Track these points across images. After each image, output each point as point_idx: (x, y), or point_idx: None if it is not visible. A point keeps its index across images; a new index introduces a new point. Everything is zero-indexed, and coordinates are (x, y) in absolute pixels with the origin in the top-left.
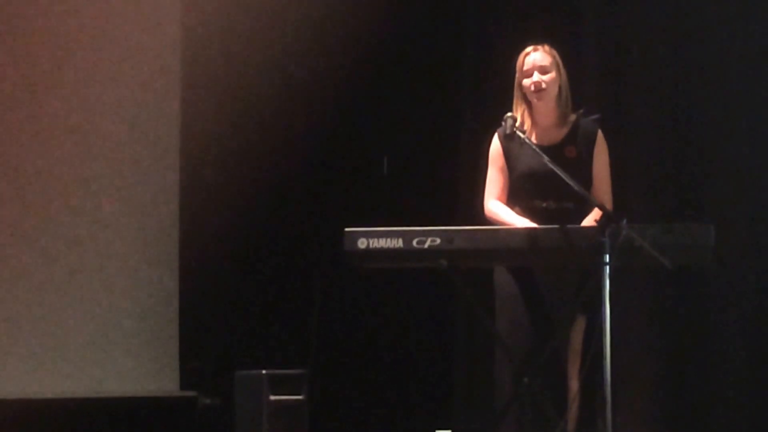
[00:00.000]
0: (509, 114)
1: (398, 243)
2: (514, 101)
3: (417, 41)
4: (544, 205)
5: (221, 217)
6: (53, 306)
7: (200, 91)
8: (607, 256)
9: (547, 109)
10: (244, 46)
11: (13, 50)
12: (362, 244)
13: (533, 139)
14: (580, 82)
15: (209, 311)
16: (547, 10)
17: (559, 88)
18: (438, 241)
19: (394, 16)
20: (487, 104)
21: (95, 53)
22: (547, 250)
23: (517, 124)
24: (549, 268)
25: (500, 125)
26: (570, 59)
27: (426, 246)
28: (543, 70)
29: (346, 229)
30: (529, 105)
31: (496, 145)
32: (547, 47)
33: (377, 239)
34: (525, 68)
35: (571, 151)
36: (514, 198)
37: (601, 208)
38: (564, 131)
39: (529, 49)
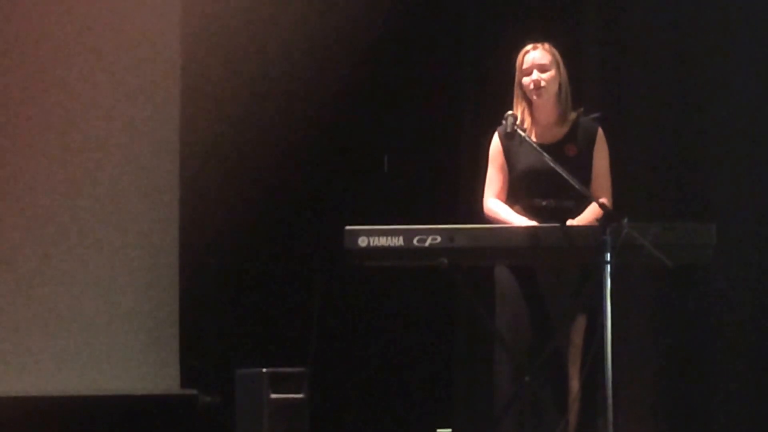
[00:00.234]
0: (510, 112)
1: (399, 241)
2: (515, 100)
3: (417, 39)
4: (544, 203)
5: (221, 215)
6: (53, 305)
7: (200, 90)
8: (608, 254)
9: (547, 107)
10: (244, 46)
11: (13, 50)
12: (363, 242)
13: (533, 137)
14: (580, 81)
15: (210, 309)
16: (548, 8)
17: (559, 86)
18: (439, 239)
19: (395, 15)
20: (488, 102)
21: (95, 53)
22: (548, 248)
23: (518, 122)
24: (550, 267)
25: (500, 123)
26: (570, 57)
27: (427, 244)
28: (543, 69)
29: (347, 228)
30: (529, 103)
31: (496, 144)
32: (547, 45)
33: (378, 237)
34: (525, 66)
35: (571, 150)
36: (514, 196)
37: (602, 206)
38: (564, 129)
39: (528, 47)
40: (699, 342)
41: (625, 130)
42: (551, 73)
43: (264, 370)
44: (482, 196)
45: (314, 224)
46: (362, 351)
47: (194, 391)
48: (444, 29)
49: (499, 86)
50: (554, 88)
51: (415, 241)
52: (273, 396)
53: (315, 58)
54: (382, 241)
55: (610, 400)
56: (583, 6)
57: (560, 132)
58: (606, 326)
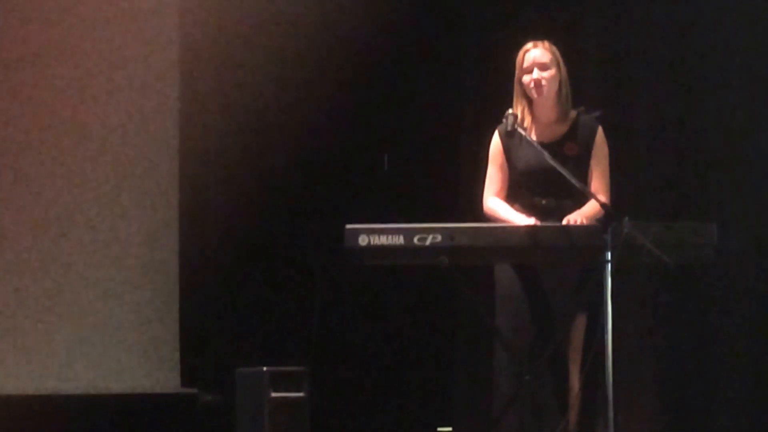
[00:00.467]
0: (510, 111)
1: (399, 240)
2: (514, 98)
3: (417, 38)
4: (544, 202)
5: (222, 214)
6: (53, 303)
7: (200, 90)
8: (609, 253)
9: (548, 105)
10: (244, 45)
11: (13, 50)
12: (363, 241)
13: (533, 135)
14: (580, 80)
15: (210, 308)
16: (548, 6)
17: (559, 84)
18: (439, 238)
19: (395, 13)
20: (488, 101)
21: (94, 53)
22: (549, 247)
23: (518, 121)
24: (550, 266)
25: (501, 122)
26: (570, 56)
27: (427, 243)
28: (543, 67)
29: (347, 226)
30: (530, 102)
31: (496, 142)
32: (547, 44)
33: (378, 236)
34: (525, 65)
35: (571, 148)
36: (513, 195)
37: (603, 206)
38: (564, 128)
39: (529, 45)
40: (699, 341)
41: (625, 129)
42: (552, 71)
43: (264, 368)
44: (482, 195)
45: (314, 223)
46: (362, 350)
47: (194, 390)
48: (444, 28)
49: (499, 85)
50: (554, 86)
51: (415, 240)
52: (273, 395)
53: (315, 57)
54: (383, 240)
55: (610, 399)
56: (583, 5)
57: (560, 130)
58: (606, 325)
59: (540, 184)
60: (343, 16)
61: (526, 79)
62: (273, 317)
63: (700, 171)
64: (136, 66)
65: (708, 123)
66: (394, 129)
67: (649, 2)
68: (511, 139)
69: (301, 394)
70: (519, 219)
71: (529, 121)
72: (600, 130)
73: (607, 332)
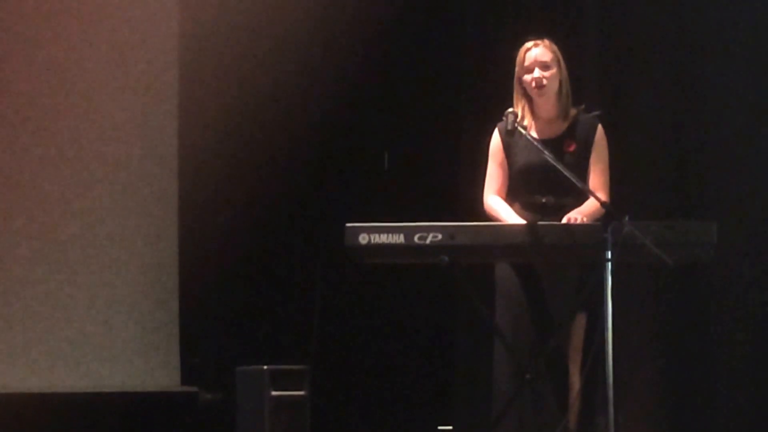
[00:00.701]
0: (510, 110)
1: (399, 239)
2: (515, 96)
3: (417, 36)
4: (544, 200)
5: (221, 213)
6: (54, 302)
7: (199, 89)
8: (609, 252)
9: (548, 104)
10: (244, 43)
11: (12, 50)
12: (363, 239)
13: (533, 133)
14: (580, 79)
15: (210, 306)
16: (548, 5)
17: (560, 83)
18: (439, 236)
19: (395, 12)
20: (488, 99)
21: (94, 53)
22: (549, 246)
23: (518, 119)
24: (551, 265)
25: (501, 120)
26: (570, 55)
27: (427, 242)
28: (544, 66)
29: (347, 225)
30: (530, 100)
31: (496, 141)
32: (547, 42)
33: (378, 235)
34: (526, 64)
35: (570, 146)
36: (513, 193)
37: (603, 204)
38: (564, 126)
39: (529, 44)
40: (699, 340)
41: (625, 129)
42: (553, 70)
43: (265, 367)
44: (482, 193)
45: (315, 221)
46: (363, 347)
47: (195, 389)
48: (444, 26)
49: (499, 83)
50: (555, 85)
51: (415, 239)
52: (274, 393)
53: (315, 55)
54: (383, 239)
55: (610, 399)
56: (584, 2)
57: (560, 128)
58: (606, 324)
59: (540, 182)
60: (343, 15)
61: (527, 77)
62: (273, 316)
63: (700, 170)
64: (136, 66)
65: (708, 123)
66: (394, 128)
67: (650, 2)
68: (511, 137)
69: (301, 393)
70: (517, 221)
71: (530, 120)
72: (600, 127)
73: (607, 331)
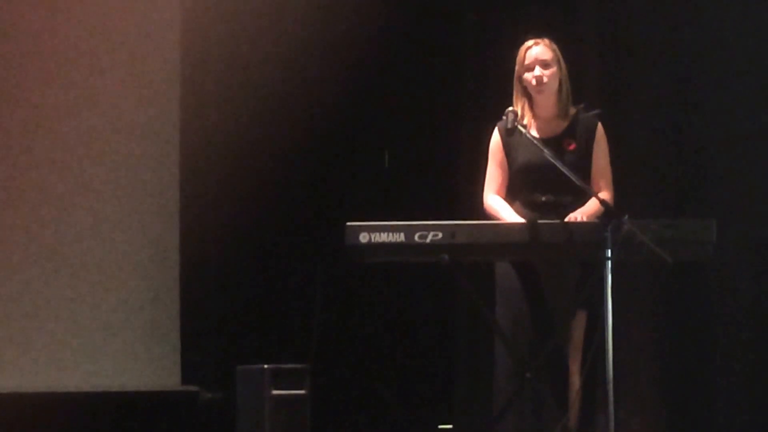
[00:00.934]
0: (510, 108)
1: (400, 237)
2: (514, 95)
3: (417, 35)
4: (544, 199)
5: (222, 211)
6: (54, 301)
7: (200, 89)
8: (609, 251)
9: (548, 103)
10: (244, 42)
11: (13, 50)
12: (364, 238)
13: (533, 131)
14: (579, 77)
15: (210, 305)
16: (547, 4)
17: (560, 82)
18: (440, 235)
19: (395, 11)
20: (488, 98)
21: (94, 53)
22: (549, 245)
23: (518, 118)
24: (551, 263)
25: (501, 119)
26: (570, 53)
27: (428, 240)
28: (544, 65)
29: (348, 224)
30: (530, 99)
31: (496, 139)
32: (547, 41)
33: (379, 233)
34: (526, 62)
35: (570, 145)
36: (513, 192)
37: (602, 203)
38: (564, 125)
39: (530, 43)
40: (699, 338)
41: (625, 126)
42: (553, 69)
43: (265, 366)
44: (482, 192)
45: (315, 220)
46: (364, 346)
47: (195, 388)
48: (443, 25)
49: (498, 82)
50: (555, 84)
51: (416, 237)
52: (274, 392)
53: (315, 55)
54: (383, 237)
55: (610, 397)
56: (583, 3)
57: (560, 127)
58: (606, 322)
59: (540, 181)
60: (343, 14)
61: (527, 76)
62: (274, 314)
63: (700, 169)
64: (137, 66)
65: (708, 121)
66: (394, 127)
67: (649, 2)
68: (511, 136)
69: (302, 392)
70: (516, 220)
71: (530, 118)
72: (600, 126)
73: (607, 330)
